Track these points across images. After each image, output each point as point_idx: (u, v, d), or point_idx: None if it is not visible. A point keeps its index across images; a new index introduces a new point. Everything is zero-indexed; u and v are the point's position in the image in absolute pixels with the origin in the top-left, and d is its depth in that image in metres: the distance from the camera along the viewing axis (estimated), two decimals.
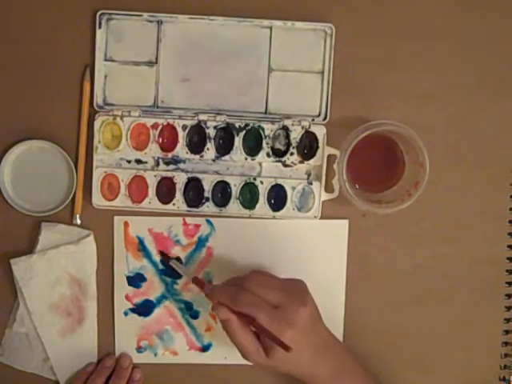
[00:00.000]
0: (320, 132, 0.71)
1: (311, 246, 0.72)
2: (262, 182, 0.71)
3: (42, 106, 0.72)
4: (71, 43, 0.71)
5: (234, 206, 0.71)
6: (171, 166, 0.72)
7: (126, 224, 0.72)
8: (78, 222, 0.72)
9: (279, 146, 0.71)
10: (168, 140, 0.71)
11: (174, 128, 0.70)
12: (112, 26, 0.71)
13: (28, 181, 0.72)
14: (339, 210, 0.72)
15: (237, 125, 0.70)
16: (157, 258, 0.72)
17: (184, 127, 0.70)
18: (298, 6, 0.71)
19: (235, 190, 0.71)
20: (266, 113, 0.72)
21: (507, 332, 0.73)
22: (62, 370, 0.72)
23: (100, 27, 0.70)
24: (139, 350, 0.73)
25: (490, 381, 0.73)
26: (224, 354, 0.73)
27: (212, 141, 0.70)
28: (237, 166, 0.72)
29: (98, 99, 0.71)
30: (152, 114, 0.71)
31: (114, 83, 0.71)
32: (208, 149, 0.71)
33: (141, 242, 0.72)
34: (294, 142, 0.71)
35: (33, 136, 0.71)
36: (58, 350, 0.72)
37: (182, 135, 0.70)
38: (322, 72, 0.71)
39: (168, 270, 0.72)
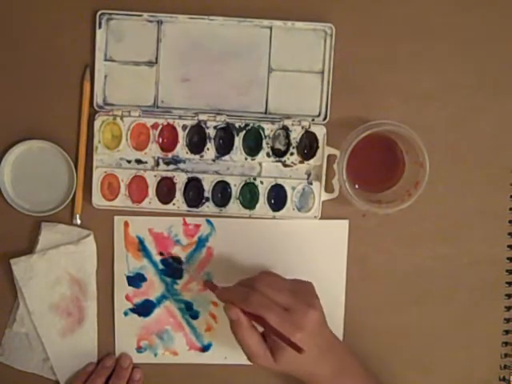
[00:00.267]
0: (320, 132, 0.71)
1: (311, 246, 0.72)
2: (261, 182, 0.71)
3: (41, 106, 0.72)
4: (71, 43, 0.71)
5: (234, 206, 0.71)
6: (171, 166, 0.72)
7: (126, 224, 0.72)
8: (78, 221, 0.72)
9: (279, 146, 0.71)
10: (168, 140, 0.71)
11: (173, 128, 0.70)
12: (112, 26, 0.71)
13: (28, 181, 0.72)
14: (339, 210, 0.72)
15: (237, 125, 0.70)
16: (157, 257, 0.72)
17: (184, 127, 0.70)
18: (298, 6, 0.71)
19: (235, 190, 0.71)
20: (266, 113, 0.72)
21: (507, 332, 0.73)
22: (62, 369, 0.72)
23: (100, 27, 0.70)
24: (139, 349, 0.73)
25: (490, 381, 0.74)
26: (224, 354, 0.73)
27: (212, 141, 0.70)
28: (237, 165, 0.72)
29: (98, 99, 0.71)
30: (152, 113, 0.71)
31: (114, 83, 0.71)
32: (208, 149, 0.71)
33: (141, 241, 0.72)
34: (294, 142, 0.71)
35: (33, 136, 0.71)
36: (58, 350, 0.72)
37: (181, 135, 0.70)
38: (322, 72, 0.71)
39: (168, 269, 0.72)
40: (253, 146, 0.71)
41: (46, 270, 0.71)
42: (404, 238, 0.73)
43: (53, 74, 0.71)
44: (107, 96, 0.71)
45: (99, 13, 0.70)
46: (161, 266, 0.72)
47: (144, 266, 0.72)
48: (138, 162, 0.72)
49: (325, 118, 0.71)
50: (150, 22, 0.71)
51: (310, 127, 0.71)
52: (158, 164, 0.72)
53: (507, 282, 0.73)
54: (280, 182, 0.71)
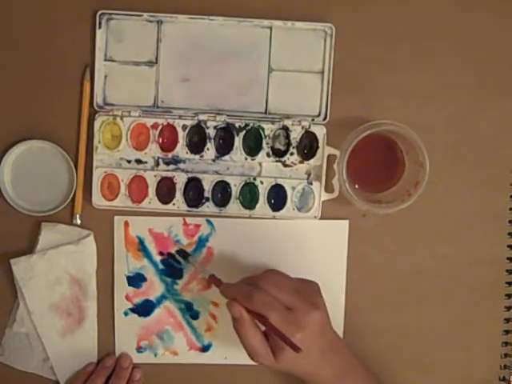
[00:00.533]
0: (320, 132, 0.71)
1: (311, 246, 0.72)
2: (262, 182, 0.71)
3: (41, 106, 0.72)
4: (71, 43, 0.71)
5: (234, 206, 0.71)
6: (171, 166, 0.72)
7: (126, 224, 0.72)
8: (78, 221, 0.72)
9: (279, 146, 0.71)
10: (168, 140, 0.71)
11: (174, 128, 0.70)
12: (112, 26, 0.71)
13: (28, 181, 0.72)
14: (339, 210, 0.72)
15: (237, 125, 0.70)
16: (157, 258, 0.72)
17: (184, 127, 0.70)
18: (298, 6, 0.71)
19: (235, 190, 0.71)
20: (266, 113, 0.72)
21: (507, 332, 0.73)
22: (62, 369, 0.72)
23: (100, 27, 0.70)
24: (139, 349, 0.73)
25: (490, 381, 0.74)
26: (224, 354, 0.73)
27: (212, 141, 0.70)
28: (237, 166, 0.72)
29: (98, 99, 0.71)
30: (152, 113, 0.71)
31: (114, 83, 0.71)
32: (208, 149, 0.71)
33: (141, 241, 0.72)
34: (294, 142, 0.71)
35: (33, 136, 0.71)
36: (58, 350, 0.72)
37: (181, 135, 0.70)
38: (322, 72, 0.71)
39: (168, 269, 0.72)
40: (253, 146, 0.71)
41: (46, 270, 0.71)
42: (404, 238, 0.73)
43: (53, 74, 0.71)
44: (107, 96, 0.71)
45: (99, 13, 0.70)
46: (161, 266, 0.72)
47: (144, 266, 0.72)
48: (138, 162, 0.72)
49: (325, 118, 0.71)
50: (150, 21, 0.71)
51: (310, 127, 0.71)
52: (157, 164, 0.72)
53: (507, 282, 0.73)
54: (280, 182, 0.71)
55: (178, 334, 0.73)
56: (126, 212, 0.71)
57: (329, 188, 0.72)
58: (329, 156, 0.71)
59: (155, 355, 0.73)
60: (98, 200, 0.70)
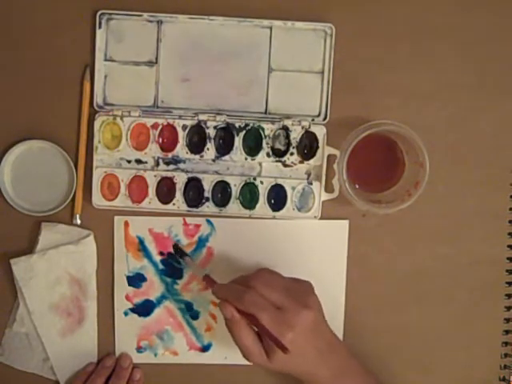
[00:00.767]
0: (320, 132, 0.71)
1: (311, 246, 0.72)
2: (262, 182, 0.71)
3: (41, 105, 0.72)
4: (71, 43, 0.71)
5: (234, 206, 0.71)
6: (171, 166, 0.72)
7: (126, 224, 0.72)
8: (78, 222, 0.72)
9: (279, 146, 0.71)
10: (168, 140, 0.71)
11: (174, 128, 0.70)
12: (112, 26, 0.71)
13: (28, 181, 0.72)
14: (339, 210, 0.72)
15: (237, 125, 0.70)
16: (157, 258, 0.72)
17: (184, 127, 0.70)
18: (298, 6, 0.71)
19: (235, 190, 0.71)
20: (266, 113, 0.72)
21: (507, 332, 0.73)
22: (62, 369, 0.72)
23: (100, 27, 0.70)
24: (139, 350, 0.73)
25: (490, 381, 0.74)
26: (224, 354, 0.73)
27: (212, 141, 0.70)
28: (237, 166, 0.72)
29: (98, 99, 0.71)
30: (152, 113, 0.71)
31: (114, 83, 0.71)
32: (208, 149, 0.71)
33: (141, 241, 0.72)
34: (294, 142, 0.71)
35: (33, 136, 0.71)
36: (58, 350, 0.72)
37: (181, 135, 0.70)
38: (322, 72, 0.71)
39: (168, 269, 0.72)
40: (253, 146, 0.71)
41: (46, 270, 0.71)
42: (404, 238, 0.73)
43: (53, 74, 0.71)
44: (107, 96, 0.71)
45: (99, 13, 0.70)
46: (161, 266, 0.72)
47: (144, 266, 0.72)
48: (138, 162, 0.72)
49: (325, 118, 0.71)
50: (150, 21, 0.71)
51: (310, 127, 0.71)
52: (158, 164, 0.72)
53: (507, 282, 0.73)
54: (280, 181, 0.71)
55: (178, 334, 0.73)
56: (125, 212, 0.71)
57: (329, 188, 0.72)
58: (329, 156, 0.71)
59: (155, 355, 0.73)
60: (98, 200, 0.70)
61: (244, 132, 0.70)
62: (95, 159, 0.71)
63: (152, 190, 0.70)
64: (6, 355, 0.72)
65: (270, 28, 0.71)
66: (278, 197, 0.71)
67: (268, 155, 0.71)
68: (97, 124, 0.70)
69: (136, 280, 0.72)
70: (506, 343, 0.73)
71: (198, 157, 0.71)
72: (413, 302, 0.73)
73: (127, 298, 0.72)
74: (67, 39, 0.71)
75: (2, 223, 0.72)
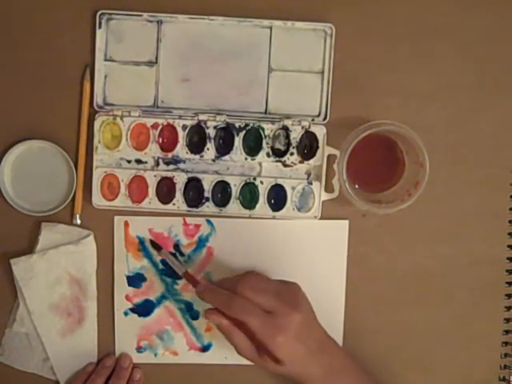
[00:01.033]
0: (320, 132, 0.71)
1: (311, 246, 0.72)
2: (261, 182, 0.71)
3: (41, 105, 0.72)
4: (71, 43, 0.71)
5: (234, 206, 0.71)
6: (171, 166, 0.72)
7: (126, 224, 0.72)
8: (78, 221, 0.72)
9: (279, 146, 0.71)
10: (168, 140, 0.71)
11: (174, 128, 0.70)
12: (112, 26, 0.71)
13: (28, 181, 0.72)
14: (339, 210, 0.72)
15: (237, 125, 0.70)
16: (157, 258, 0.72)
17: (184, 127, 0.70)
18: (298, 6, 0.71)
19: (235, 190, 0.71)
20: (266, 113, 0.72)
21: (507, 332, 0.73)
22: (62, 369, 0.72)
23: (100, 27, 0.70)
24: (139, 350, 0.73)
25: (490, 381, 0.74)
26: (224, 354, 0.73)
27: (212, 141, 0.70)
28: (237, 166, 0.72)
29: (98, 99, 0.71)
30: (152, 113, 0.71)
31: (114, 83, 0.71)
32: (208, 149, 0.71)
33: (141, 242, 0.72)
34: (294, 142, 0.71)
35: (33, 136, 0.71)
36: (58, 350, 0.72)
37: (181, 135, 0.70)
38: (322, 72, 0.71)
39: (168, 269, 0.72)
40: (253, 146, 0.71)
41: (46, 270, 0.71)
42: (404, 238, 0.73)
43: (53, 74, 0.71)
44: (107, 96, 0.71)
45: (99, 13, 0.70)
46: (161, 266, 0.72)
47: (144, 266, 0.72)
48: (138, 162, 0.72)
49: (325, 118, 0.71)
50: (150, 21, 0.71)
51: (310, 127, 0.71)
52: (158, 164, 0.72)
53: (507, 282, 0.73)
54: (280, 182, 0.71)
55: (178, 334, 0.73)
56: (126, 212, 0.71)
57: (329, 188, 0.72)
58: (329, 156, 0.71)
59: (155, 355, 0.73)
60: (98, 200, 0.70)
61: (244, 132, 0.70)
62: (95, 159, 0.71)
63: (152, 190, 0.70)
64: (6, 355, 0.72)
65: (270, 28, 0.71)
66: (277, 197, 0.71)
67: (268, 155, 0.71)
68: (97, 124, 0.70)
69: (136, 280, 0.72)
70: (506, 343, 0.73)
71: (198, 157, 0.71)
72: (413, 302, 0.73)
73: (127, 298, 0.72)
74: (67, 39, 0.71)
75: (2, 223, 0.72)
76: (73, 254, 0.71)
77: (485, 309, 0.73)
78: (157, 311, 0.73)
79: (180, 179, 0.70)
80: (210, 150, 0.71)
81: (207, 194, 0.71)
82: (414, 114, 0.72)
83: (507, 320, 0.73)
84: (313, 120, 0.71)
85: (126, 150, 0.70)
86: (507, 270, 0.73)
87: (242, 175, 0.71)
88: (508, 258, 0.73)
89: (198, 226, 0.72)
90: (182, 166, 0.72)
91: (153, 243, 0.72)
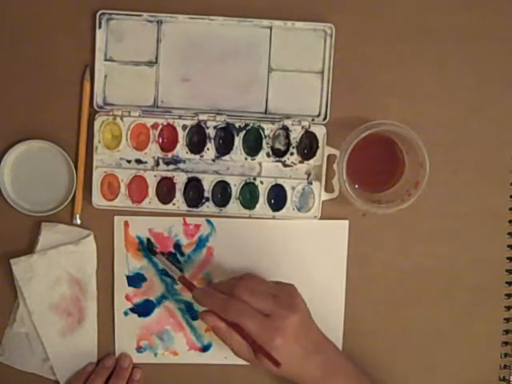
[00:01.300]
0: (320, 132, 0.71)
1: (311, 246, 0.72)
2: (261, 182, 0.71)
3: (42, 106, 0.72)
4: (71, 43, 0.71)
5: (234, 206, 0.71)
6: (171, 166, 0.72)
7: (126, 224, 0.72)
8: (78, 221, 0.72)
9: (279, 146, 0.71)
10: (168, 140, 0.71)
11: (173, 128, 0.70)
12: (112, 26, 0.71)
13: (28, 181, 0.72)
14: (339, 210, 0.72)
15: (237, 125, 0.70)
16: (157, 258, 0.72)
17: (184, 127, 0.70)
18: (298, 6, 0.71)
19: (235, 190, 0.71)
20: (265, 113, 0.72)
21: (507, 332, 0.73)
22: (61, 370, 0.72)
23: (100, 27, 0.70)
24: (139, 350, 0.73)
25: (490, 381, 0.74)
26: (224, 354, 0.73)
27: (212, 141, 0.70)
28: (237, 165, 0.72)
29: (98, 99, 0.71)
30: (152, 114, 0.71)
31: (113, 83, 0.71)
32: (208, 149, 0.71)
33: (141, 242, 0.72)
34: (293, 142, 0.71)
35: (33, 136, 0.71)
36: (58, 350, 0.72)
37: (181, 135, 0.70)
38: (322, 72, 0.71)
39: (168, 269, 0.72)
40: (253, 146, 0.71)
41: (46, 269, 0.71)
42: (404, 238, 0.73)
43: (53, 74, 0.71)
44: (107, 96, 0.71)
45: (99, 13, 0.70)
46: (161, 266, 0.72)
47: (144, 266, 0.72)
48: (138, 162, 0.72)
49: (325, 118, 0.71)
50: (150, 21, 0.71)
51: (309, 127, 0.71)
52: (157, 164, 0.72)
53: (507, 282, 0.73)
54: (280, 181, 0.71)
55: (178, 334, 0.73)
56: (126, 212, 0.71)
57: (329, 188, 0.72)
58: (329, 156, 0.71)
59: (155, 355, 0.73)
60: (97, 200, 0.70)
61: (244, 132, 0.70)
62: (95, 159, 0.71)
63: (152, 190, 0.70)
64: (6, 355, 0.72)
65: (270, 28, 0.71)
66: (277, 197, 0.71)
67: (268, 155, 0.71)
68: (97, 124, 0.70)
69: (136, 280, 0.72)
70: (506, 343, 0.73)
71: (197, 157, 0.71)
72: (413, 302, 0.73)
73: (127, 298, 0.72)
74: (67, 39, 0.71)
75: (2, 223, 0.72)
76: (73, 254, 0.71)
77: (485, 309, 0.73)
78: (157, 311, 0.73)
79: (180, 179, 0.70)
80: (210, 150, 0.71)
81: (207, 194, 0.71)
82: (414, 114, 0.72)
83: (507, 320, 0.73)
84: (313, 120, 0.71)
85: (125, 150, 0.70)
86: (507, 270, 0.73)
87: (241, 175, 0.71)
88: (508, 258, 0.73)
89: (197, 226, 0.72)
90: (182, 166, 0.72)
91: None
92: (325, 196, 0.71)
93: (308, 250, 0.72)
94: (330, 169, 0.71)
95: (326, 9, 0.71)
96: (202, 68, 0.71)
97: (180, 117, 0.71)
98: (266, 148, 0.71)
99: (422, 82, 0.72)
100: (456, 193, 0.73)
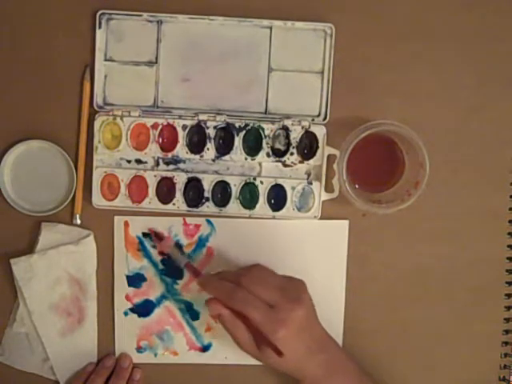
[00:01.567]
0: (320, 132, 0.71)
1: (311, 246, 0.72)
2: (261, 182, 0.71)
3: (42, 106, 0.72)
4: (71, 43, 0.71)
5: (234, 206, 0.71)
6: (171, 166, 0.72)
7: (126, 224, 0.72)
8: (78, 221, 0.72)
9: (279, 145, 0.71)
10: (168, 140, 0.71)
11: (173, 128, 0.70)
12: (112, 26, 0.71)
13: (28, 181, 0.72)
14: (339, 210, 0.72)
15: (237, 125, 0.70)
16: (157, 258, 0.72)
17: (184, 127, 0.70)
18: (298, 6, 0.71)
19: (235, 190, 0.71)
20: (265, 113, 0.72)
21: (507, 332, 0.73)
22: (61, 370, 0.72)
23: (100, 27, 0.70)
24: (139, 350, 0.73)
25: (490, 381, 0.74)
26: (224, 354, 0.73)
27: (212, 141, 0.70)
28: (237, 165, 0.72)
29: (98, 99, 0.71)
30: (152, 114, 0.71)
31: (113, 83, 0.71)
32: (208, 149, 0.71)
33: (141, 242, 0.72)
34: (293, 142, 0.71)
35: (33, 136, 0.71)
36: (58, 350, 0.72)
37: (181, 135, 0.70)
38: (322, 72, 0.71)
39: (168, 269, 0.72)
40: (253, 146, 0.71)
41: (46, 269, 0.71)
42: (404, 238, 0.73)
43: (53, 74, 0.71)
44: (107, 96, 0.71)
45: (99, 13, 0.70)
46: (161, 266, 0.72)
47: (144, 266, 0.72)
48: (138, 162, 0.72)
49: (325, 118, 0.71)
50: (150, 21, 0.71)
51: (309, 127, 0.71)
52: (157, 164, 0.72)
53: (507, 282, 0.73)
54: (280, 181, 0.71)
55: (178, 334, 0.73)
56: (126, 212, 0.71)
57: (329, 188, 0.72)
58: (329, 156, 0.71)
59: (155, 355, 0.73)
60: (97, 200, 0.70)
61: (244, 132, 0.70)
62: (95, 159, 0.71)
63: (152, 190, 0.70)
64: (6, 355, 0.72)
65: (270, 28, 0.71)
66: (277, 197, 0.71)
67: (268, 155, 0.71)
68: (97, 124, 0.70)
69: (136, 280, 0.72)
70: (506, 343, 0.73)
71: (197, 157, 0.71)
72: (413, 302, 0.73)
73: (127, 298, 0.72)
74: (67, 39, 0.71)
75: (2, 223, 0.72)
76: (73, 254, 0.71)
77: (485, 309, 0.73)
78: (157, 311, 0.73)
79: (180, 179, 0.70)
80: (210, 150, 0.71)
81: (207, 194, 0.71)
82: (414, 114, 0.72)
83: (507, 320, 0.73)
84: (313, 120, 0.71)
85: (125, 150, 0.70)
86: (507, 270, 0.73)
87: (241, 175, 0.71)
88: (508, 258, 0.73)
89: (197, 226, 0.72)
90: (182, 165, 0.72)
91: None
92: (325, 196, 0.71)
93: (308, 250, 0.72)
94: (330, 169, 0.71)
95: (326, 9, 0.71)
96: (202, 68, 0.71)
97: (180, 117, 0.71)
98: (266, 148, 0.71)
99: (421, 82, 0.72)
100: (456, 193, 0.73)
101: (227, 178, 0.71)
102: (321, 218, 0.72)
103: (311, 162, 0.71)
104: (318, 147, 0.71)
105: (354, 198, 0.68)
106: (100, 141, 0.70)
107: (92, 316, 0.72)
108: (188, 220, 0.72)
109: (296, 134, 0.71)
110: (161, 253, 0.72)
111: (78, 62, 0.71)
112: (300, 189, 0.71)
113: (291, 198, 0.71)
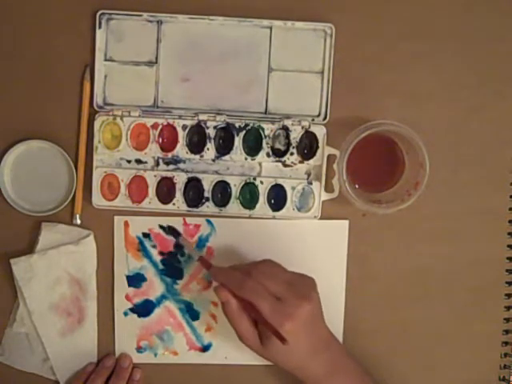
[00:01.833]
0: (320, 132, 0.71)
1: (311, 246, 0.72)
2: (261, 182, 0.71)
3: (42, 106, 0.72)
4: (71, 43, 0.71)
5: (234, 206, 0.71)
6: (171, 166, 0.72)
7: (126, 224, 0.72)
8: (78, 221, 0.72)
9: (279, 145, 0.71)
10: (168, 140, 0.71)
11: (173, 128, 0.70)
12: (112, 26, 0.71)
13: (28, 181, 0.72)
14: (339, 210, 0.72)
15: (237, 125, 0.70)
16: (157, 258, 0.72)
17: (184, 127, 0.70)
18: (297, 6, 0.71)
19: (235, 190, 0.71)
20: (265, 113, 0.72)
21: (507, 332, 0.73)
22: (61, 370, 0.72)
23: (100, 27, 0.70)
24: (139, 350, 0.73)
25: (490, 381, 0.74)
26: (224, 354, 0.73)
27: (212, 141, 0.70)
28: (237, 165, 0.72)
29: (98, 99, 0.71)
30: (152, 114, 0.71)
31: (113, 83, 0.71)
32: (208, 149, 0.71)
33: (141, 242, 0.72)
34: (293, 142, 0.71)
35: (33, 136, 0.71)
36: (58, 350, 0.72)
37: (181, 135, 0.70)
38: (322, 72, 0.71)
39: (168, 269, 0.72)
40: (253, 146, 0.71)
41: (46, 270, 0.71)
42: (404, 238, 0.73)
43: (53, 74, 0.71)
44: (107, 96, 0.71)
45: (99, 13, 0.70)
46: (161, 266, 0.72)
47: (144, 266, 0.72)
48: (138, 161, 0.72)
49: (325, 118, 0.71)
50: (150, 21, 0.71)
51: (309, 127, 0.71)
52: (157, 164, 0.72)
53: (507, 282, 0.73)
54: (280, 181, 0.71)
55: (178, 334, 0.73)
56: (126, 212, 0.71)
57: (329, 188, 0.72)
58: (329, 156, 0.71)
59: (155, 355, 0.73)
60: (97, 200, 0.70)
61: (244, 132, 0.70)
62: (95, 159, 0.71)
63: (152, 190, 0.70)
64: (6, 355, 0.72)
65: (270, 28, 0.71)
66: (277, 197, 0.71)
67: (268, 155, 0.71)
68: (97, 124, 0.70)
69: (136, 280, 0.72)
70: (506, 343, 0.73)
71: (197, 157, 0.71)
72: (412, 302, 0.73)
73: (127, 298, 0.72)
74: (67, 39, 0.71)
75: (2, 223, 0.72)
76: (73, 254, 0.71)
77: (485, 309, 0.73)
78: (157, 311, 0.73)
79: (180, 179, 0.70)
80: (210, 150, 0.71)
81: (207, 193, 0.71)
82: (414, 114, 0.72)
83: (507, 320, 0.73)
84: (313, 120, 0.71)
85: (125, 150, 0.70)
86: (507, 270, 0.73)
87: (241, 175, 0.71)
88: (508, 258, 0.73)
89: (197, 226, 0.72)
90: (181, 165, 0.72)
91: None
92: (325, 196, 0.71)
93: (308, 250, 0.72)
94: (330, 169, 0.71)
95: (326, 9, 0.71)
96: (201, 68, 0.71)
97: (180, 117, 0.71)
98: (266, 148, 0.71)
99: (422, 82, 0.72)
100: (456, 193, 0.73)
101: (227, 178, 0.71)
102: (321, 218, 0.72)
103: (311, 162, 0.71)
104: (317, 147, 0.71)
105: (354, 198, 0.68)
106: (100, 141, 0.70)
107: (92, 316, 0.72)
108: (188, 220, 0.72)
109: (296, 134, 0.71)
110: (161, 253, 0.72)
111: (78, 62, 0.71)
112: (300, 189, 0.71)
113: (291, 197, 0.71)
